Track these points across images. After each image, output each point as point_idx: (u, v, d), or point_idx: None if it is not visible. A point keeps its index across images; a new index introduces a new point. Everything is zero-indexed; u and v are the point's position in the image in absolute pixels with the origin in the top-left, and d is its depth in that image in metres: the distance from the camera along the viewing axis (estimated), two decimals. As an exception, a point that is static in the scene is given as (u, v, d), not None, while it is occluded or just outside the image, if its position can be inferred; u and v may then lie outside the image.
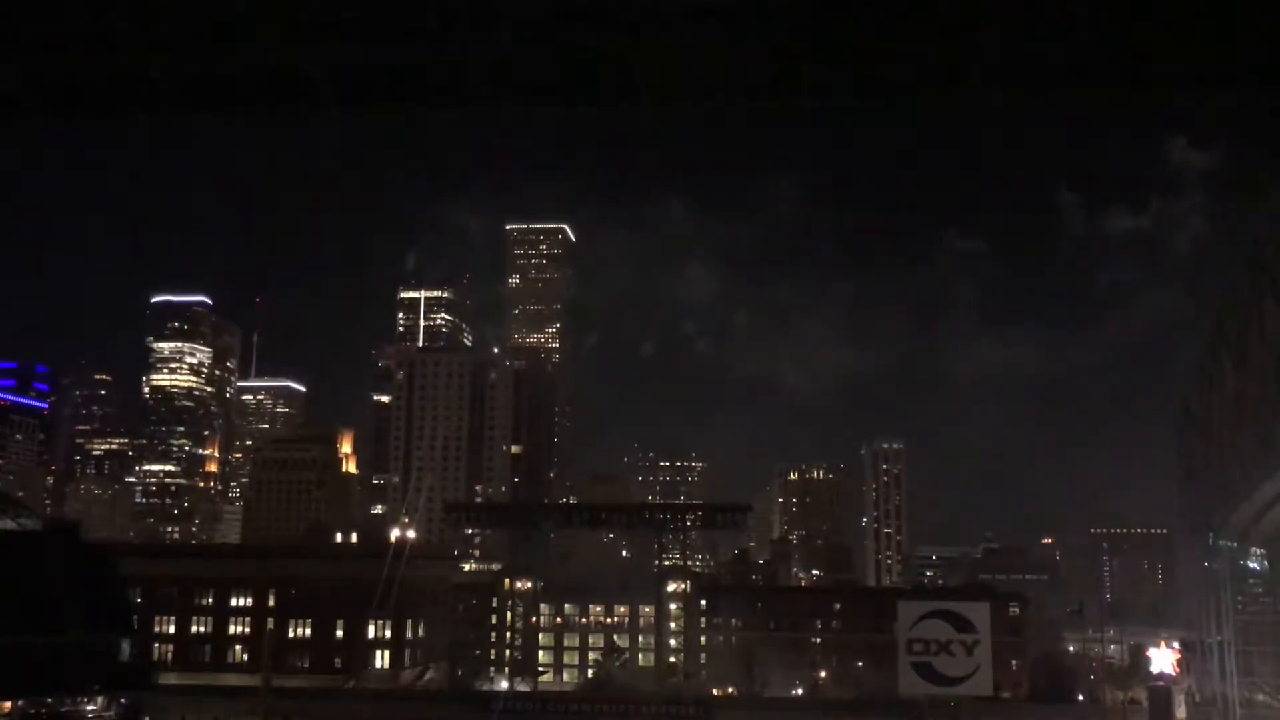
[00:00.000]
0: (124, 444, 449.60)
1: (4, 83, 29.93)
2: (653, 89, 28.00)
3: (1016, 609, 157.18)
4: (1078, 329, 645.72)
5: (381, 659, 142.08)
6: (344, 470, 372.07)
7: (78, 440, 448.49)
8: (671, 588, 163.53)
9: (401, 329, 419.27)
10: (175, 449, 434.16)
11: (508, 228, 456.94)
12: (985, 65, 26.78)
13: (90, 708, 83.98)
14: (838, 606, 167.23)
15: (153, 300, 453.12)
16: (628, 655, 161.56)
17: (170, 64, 28.71)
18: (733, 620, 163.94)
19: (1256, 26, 25.13)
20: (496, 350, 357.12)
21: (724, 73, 28.13)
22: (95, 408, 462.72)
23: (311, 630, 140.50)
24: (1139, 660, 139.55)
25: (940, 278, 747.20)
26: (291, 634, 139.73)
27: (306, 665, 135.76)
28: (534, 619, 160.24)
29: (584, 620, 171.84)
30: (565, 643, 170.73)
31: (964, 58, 26.69)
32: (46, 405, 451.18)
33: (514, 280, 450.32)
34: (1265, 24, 25.07)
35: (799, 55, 26.72)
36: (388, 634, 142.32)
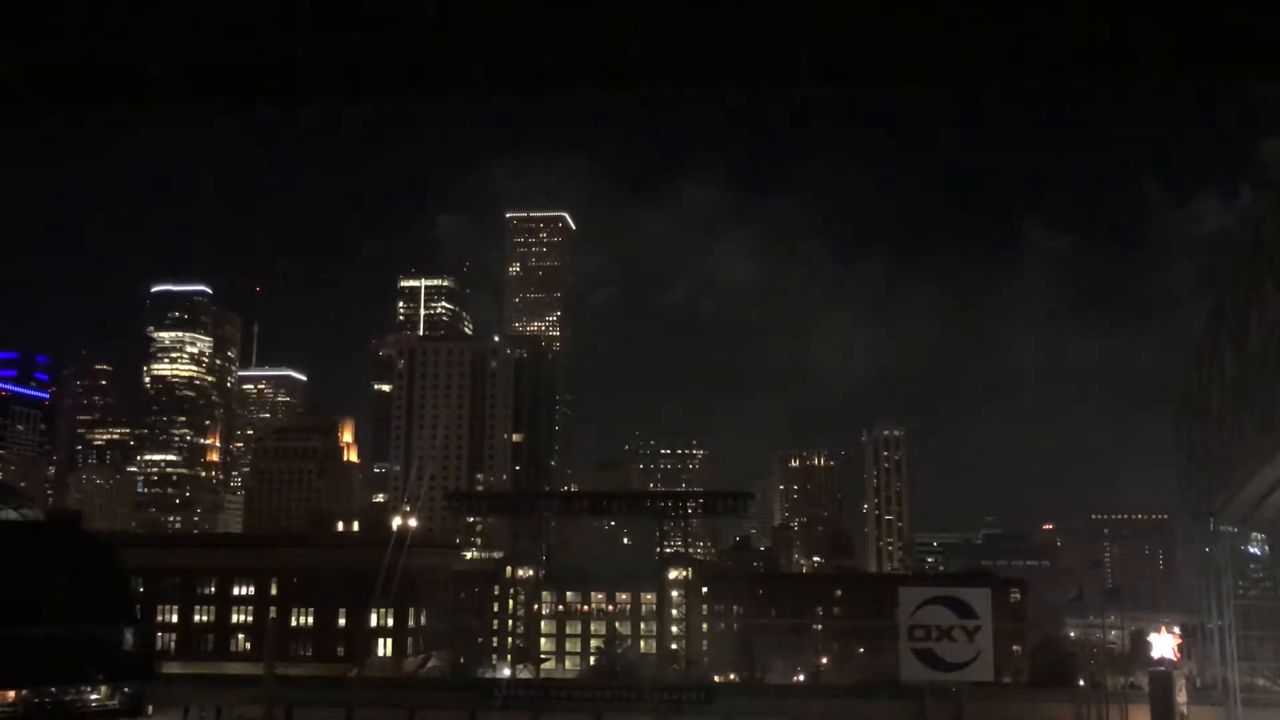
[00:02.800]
0: (125, 434, 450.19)
1: (1, 74, 29.86)
2: (649, 76, 27.94)
3: (1018, 594, 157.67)
4: (1093, 321, 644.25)
5: (384, 647, 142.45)
6: (345, 459, 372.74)
7: (79, 430, 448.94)
8: (673, 575, 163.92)
9: (402, 317, 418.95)
10: (176, 439, 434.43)
11: (508, 215, 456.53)
12: (985, 52, 26.70)
13: (94, 697, 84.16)
14: (839, 593, 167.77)
15: (153, 290, 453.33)
16: (630, 642, 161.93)
17: (166, 54, 28.62)
18: (734, 607, 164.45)
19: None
20: (497, 338, 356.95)
21: (721, 59, 28.06)
22: (96, 397, 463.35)
23: (314, 619, 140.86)
24: (1139, 645, 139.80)
25: (954, 270, 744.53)
26: (294, 623, 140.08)
27: (309, 654, 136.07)
28: (536, 607, 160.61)
29: (586, 608, 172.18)
30: (567, 630, 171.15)
31: (964, 44, 26.59)
32: (48, 395, 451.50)
33: (514, 268, 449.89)
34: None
35: (797, 41, 26.65)
36: (390, 622, 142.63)
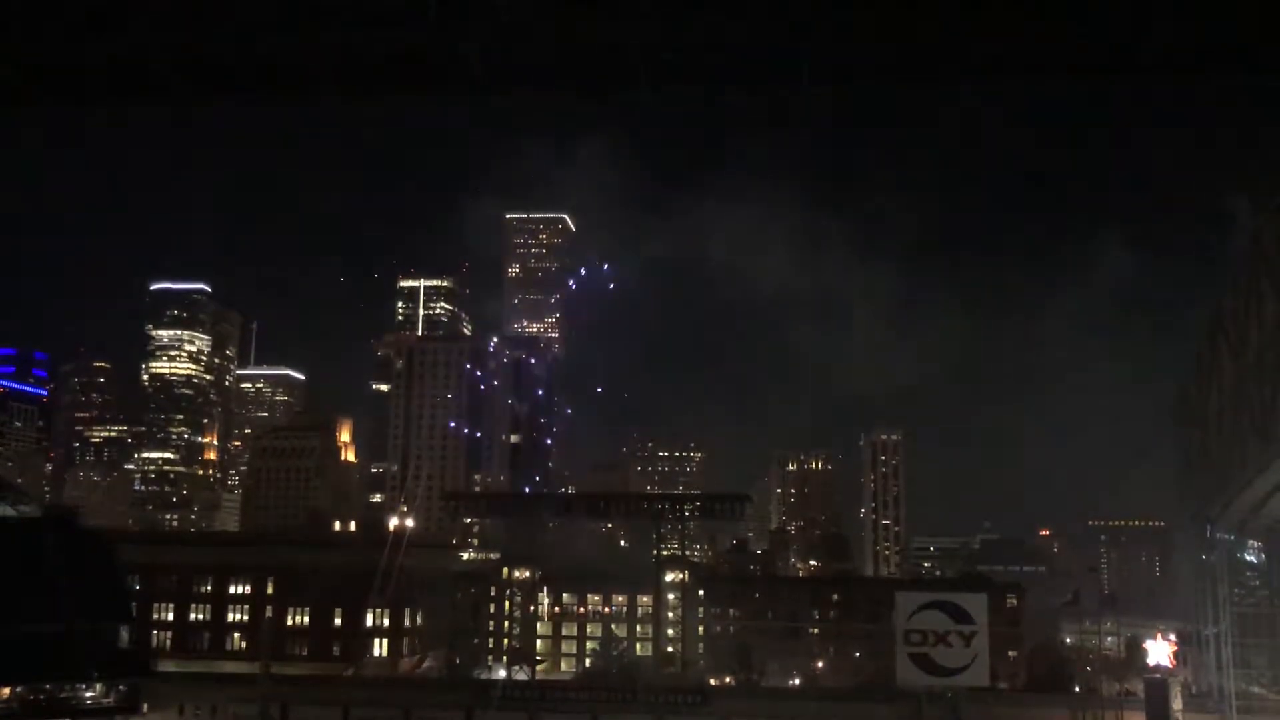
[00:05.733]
0: (123, 431, 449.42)
1: (3, 69, 29.85)
2: (651, 75, 27.94)
3: (1014, 600, 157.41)
4: (1094, 324, 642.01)
5: (380, 647, 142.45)
6: (342, 459, 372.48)
7: (77, 427, 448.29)
8: (670, 577, 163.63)
9: (401, 317, 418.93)
10: (174, 436, 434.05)
11: (507, 216, 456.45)
12: (986, 53, 26.74)
13: (89, 694, 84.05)
14: (835, 597, 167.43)
15: (152, 287, 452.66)
16: (626, 644, 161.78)
17: (169, 51, 28.62)
18: (730, 610, 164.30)
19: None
20: (495, 339, 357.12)
21: (723, 59, 28.07)
22: (94, 395, 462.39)
23: (310, 618, 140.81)
24: (1136, 652, 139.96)
25: (957, 274, 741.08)
26: (290, 622, 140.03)
27: (305, 653, 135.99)
28: (532, 608, 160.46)
29: (582, 610, 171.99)
30: (563, 632, 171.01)
31: (961, 45, 26.61)
32: (46, 392, 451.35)
33: (513, 269, 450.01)
34: None
35: (798, 42, 26.66)
36: (386, 622, 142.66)
